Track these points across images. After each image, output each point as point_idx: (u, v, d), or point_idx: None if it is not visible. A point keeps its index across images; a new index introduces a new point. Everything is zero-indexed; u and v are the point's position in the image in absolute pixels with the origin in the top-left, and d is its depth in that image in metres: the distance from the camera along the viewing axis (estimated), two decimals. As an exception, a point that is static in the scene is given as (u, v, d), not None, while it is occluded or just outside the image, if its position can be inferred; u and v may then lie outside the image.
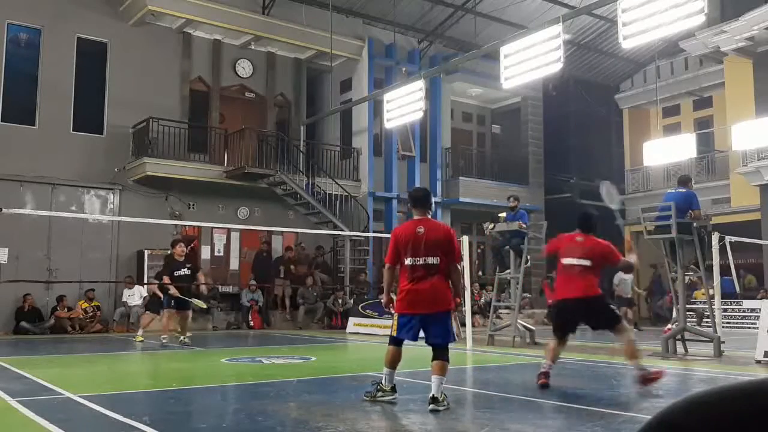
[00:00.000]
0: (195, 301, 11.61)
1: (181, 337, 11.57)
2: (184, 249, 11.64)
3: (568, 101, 23.48)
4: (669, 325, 12.75)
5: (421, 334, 5.39)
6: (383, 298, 6.02)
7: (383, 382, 5.51)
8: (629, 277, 16.14)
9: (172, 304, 11.32)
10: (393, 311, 5.55)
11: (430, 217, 5.63)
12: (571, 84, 23.22)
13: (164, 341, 11.44)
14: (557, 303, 6.62)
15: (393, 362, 5.47)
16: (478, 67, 19.84)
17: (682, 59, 21.84)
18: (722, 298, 14.25)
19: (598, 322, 6.52)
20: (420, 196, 5.66)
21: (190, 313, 11.84)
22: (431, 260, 5.31)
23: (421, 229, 5.37)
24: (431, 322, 5.28)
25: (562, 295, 6.46)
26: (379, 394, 5.48)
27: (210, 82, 17.87)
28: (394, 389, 5.52)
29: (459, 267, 5.98)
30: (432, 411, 5.00)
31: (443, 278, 5.37)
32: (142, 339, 12.02)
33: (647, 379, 6.17)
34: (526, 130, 22.73)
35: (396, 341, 5.46)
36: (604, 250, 6.43)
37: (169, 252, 11.93)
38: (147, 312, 12.94)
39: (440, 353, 5.23)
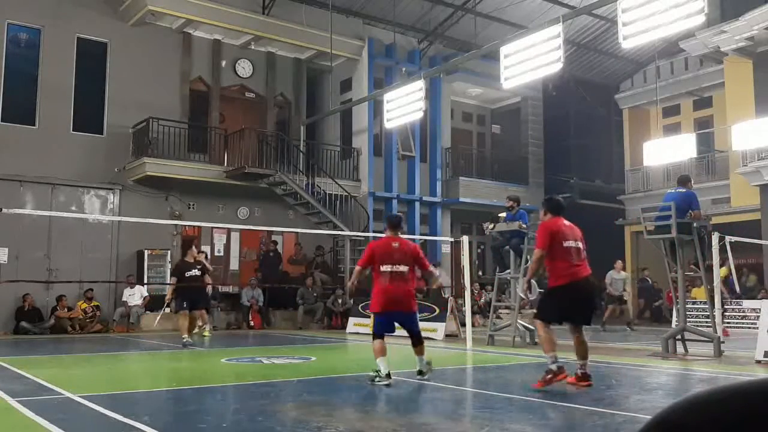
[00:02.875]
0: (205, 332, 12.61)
1: (185, 337, 11.64)
2: (195, 252, 12.10)
3: (568, 101, 23.48)
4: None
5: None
6: (350, 286, 7.75)
7: (381, 370, 6.57)
8: (622, 276, 16.30)
9: (185, 305, 11.61)
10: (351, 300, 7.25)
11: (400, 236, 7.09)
12: (571, 84, 23.22)
13: (185, 341, 11.41)
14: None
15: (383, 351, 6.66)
16: (478, 67, 19.83)
17: (682, 59, 21.83)
18: (724, 298, 14.33)
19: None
20: (396, 222, 7.37)
21: (197, 314, 12.05)
22: (402, 268, 6.73)
23: (396, 244, 6.88)
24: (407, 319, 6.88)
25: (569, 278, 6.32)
26: (377, 379, 6.53)
27: (210, 82, 17.87)
28: (389, 376, 6.56)
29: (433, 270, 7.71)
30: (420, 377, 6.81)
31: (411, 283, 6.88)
32: (207, 334, 12.66)
33: (549, 380, 6.17)
34: (526, 130, 22.73)
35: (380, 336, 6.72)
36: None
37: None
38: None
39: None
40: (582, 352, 6.42)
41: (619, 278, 16.23)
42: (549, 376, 6.16)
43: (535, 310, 6.94)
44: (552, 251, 6.35)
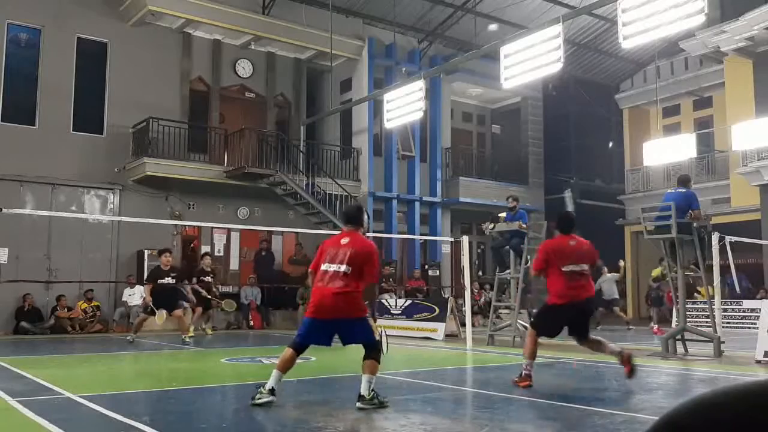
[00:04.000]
0: (225, 303, 13.14)
1: (184, 336, 12.20)
2: (170, 259, 12.23)
3: (568, 101, 23.48)
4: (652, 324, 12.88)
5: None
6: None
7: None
8: (611, 276, 16.39)
9: (148, 309, 11.93)
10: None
11: (361, 233, 5.65)
12: (571, 84, 23.22)
13: (131, 339, 11.89)
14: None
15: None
16: (478, 67, 19.83)
17: (682, 59, 21.83)
18: (727, 298, 14.36)
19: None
20: (351, 213, 5.78)
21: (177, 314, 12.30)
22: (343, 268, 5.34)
23: (346, 240, 5.50)
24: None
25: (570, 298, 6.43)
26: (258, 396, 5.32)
27: (210, 82, 17.87)
28: (273, 392, 5.35)
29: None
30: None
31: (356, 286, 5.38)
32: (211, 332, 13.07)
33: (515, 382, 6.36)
34: (526, 130, 22.73)
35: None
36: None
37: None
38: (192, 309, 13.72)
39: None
40: (599, 349, 6.54)
41: (604, 281, 16.19)
42: (516, 378, 6.40)
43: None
44: (550, 272, 6.48)
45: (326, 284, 5.34)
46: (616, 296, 16.93)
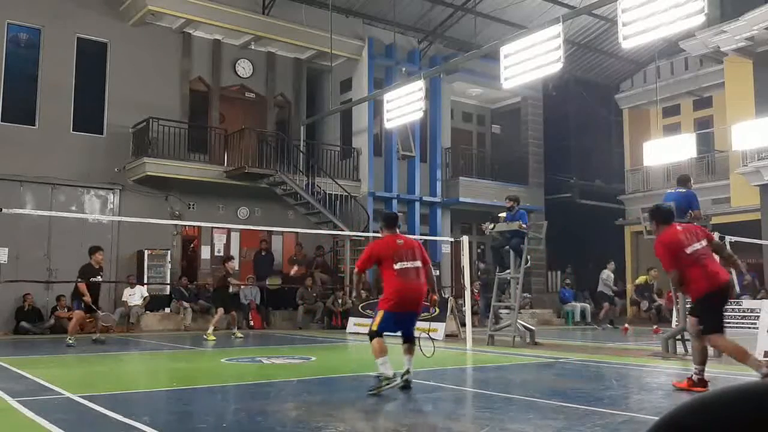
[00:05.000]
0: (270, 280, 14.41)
1: (234, 330, 13.32)
2: (100, 258, 12.03)
3: (568, 101, 23.47)
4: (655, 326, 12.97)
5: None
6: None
7: (386, 372, 5.97)
8: (608, 271, 17.02)
9: (83, 306, 11.74)
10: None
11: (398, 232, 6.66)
12: (571, 84, 23.22)
13: (70, 342, 11.36)
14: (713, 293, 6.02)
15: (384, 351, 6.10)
16: (478, 67, 19.83)
17: (682, 59, 21.83)
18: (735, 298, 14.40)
19: None
20: (393, 218, 6.86)
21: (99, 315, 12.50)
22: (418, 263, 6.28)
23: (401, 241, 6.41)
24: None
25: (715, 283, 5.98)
26: (385, 383, 5.89)
27: (210, 82, 17.87)
28: (394, 376, 5.99)
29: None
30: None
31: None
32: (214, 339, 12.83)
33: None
34: (526, 130, 22.73)
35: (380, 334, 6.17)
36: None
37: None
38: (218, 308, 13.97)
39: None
40: (701, 357, 6.27)
41: (603, 276, 17.13)
42: (689, 381, 6.12)
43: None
44: (678, 262, 6.00)
45: (412, 280, 6.17)
46: (611, 293, 17.53)
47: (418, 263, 6.25)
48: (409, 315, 6.25)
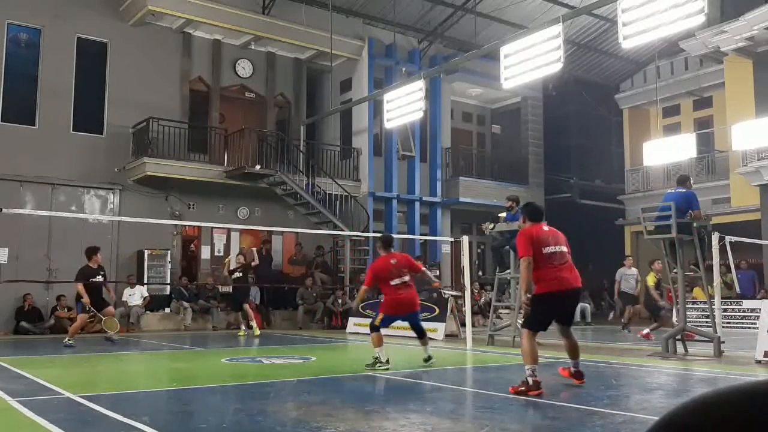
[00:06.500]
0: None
1: (247, 330, 13.82)
2: (99, 259, 11.91)
3: (568, 101, 23.48)
4: (646, 329, 12.58)
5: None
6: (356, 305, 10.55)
7: (381, 357, 7.75)
8: (633, 272, 15.15)
9: (88, 309, 11.82)
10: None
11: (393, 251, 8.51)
12: (571, 84, 23.22)
13: (67, 342, 11.38)
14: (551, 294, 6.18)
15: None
16: (478, 67, 19.83)
17: (682, 59, 21.84)
18: (738, 298, 14.33)
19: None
20: (388, 240, 8.80)
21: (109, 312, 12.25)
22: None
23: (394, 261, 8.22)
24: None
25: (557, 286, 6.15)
26: (378, 365, 7.66)
27: (210, 82, 17.87)
28: (388, 362, 7.75)
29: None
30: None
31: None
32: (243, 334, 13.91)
33: (522, 391, 5.94)
34: (526, 130, 22.73)
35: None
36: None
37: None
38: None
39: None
40: (574, 353, 6.43)
41: (630, 275, 15.15)
42: (523, 388, 5.95)
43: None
44: (534, 258, 6.13)
45: (403, 291, 8.07)
46: (634, 293, 15.29)
47: (407, 278, 8.09)
48: (405, 315, 8.23)
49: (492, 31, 19.81)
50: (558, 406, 5.59)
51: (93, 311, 11.98)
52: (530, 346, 6.10)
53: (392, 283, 8.04)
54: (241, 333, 14.14)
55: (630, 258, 16.00)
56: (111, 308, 12.32)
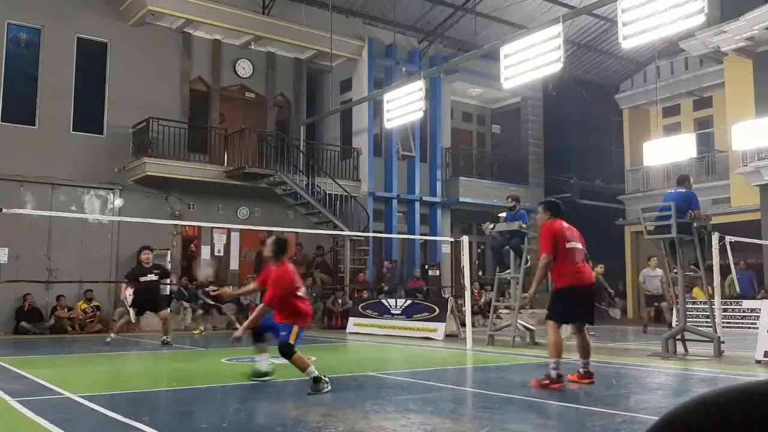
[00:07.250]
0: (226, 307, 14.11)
1: (111, 336, 11.80)
2: (150, 256, 11.81)
3: (568, 101, 23.48)
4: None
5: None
6: None
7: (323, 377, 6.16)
8: (657, 273, 14.63)
9: (128, 309, 11.95)
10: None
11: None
12: (571, 84, 23.22)
13: (109, 340, 11.40)
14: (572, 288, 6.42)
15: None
16: (478, 67, 19.84)
17: (682, 59, 21.84)
18: (738, 298, 14.32)
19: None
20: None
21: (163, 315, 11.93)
22: None
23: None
24: None
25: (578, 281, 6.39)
26: (324, 386, 6.04)
27: (210, 82, 17.87)
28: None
29: None
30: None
31: None
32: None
33: (545, 384, 6.18)
34: (526, 130, 22.73)
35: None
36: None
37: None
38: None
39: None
40: (585, 351, 6.53)
41: (654, 275, 14.75)
42: (546, 381, 6.20)
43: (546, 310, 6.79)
44: (556, 254, 6.39)
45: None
46: (659, 292, 14.86)
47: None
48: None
49: (492, 31, 19.81)
50: (558, 406, 5.59)
51: (128, 311, 11.76)
52: (555, 337, 6.34)
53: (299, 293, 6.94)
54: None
55: (654, 258, 14.89)
56: (166, 312, 11.93)
